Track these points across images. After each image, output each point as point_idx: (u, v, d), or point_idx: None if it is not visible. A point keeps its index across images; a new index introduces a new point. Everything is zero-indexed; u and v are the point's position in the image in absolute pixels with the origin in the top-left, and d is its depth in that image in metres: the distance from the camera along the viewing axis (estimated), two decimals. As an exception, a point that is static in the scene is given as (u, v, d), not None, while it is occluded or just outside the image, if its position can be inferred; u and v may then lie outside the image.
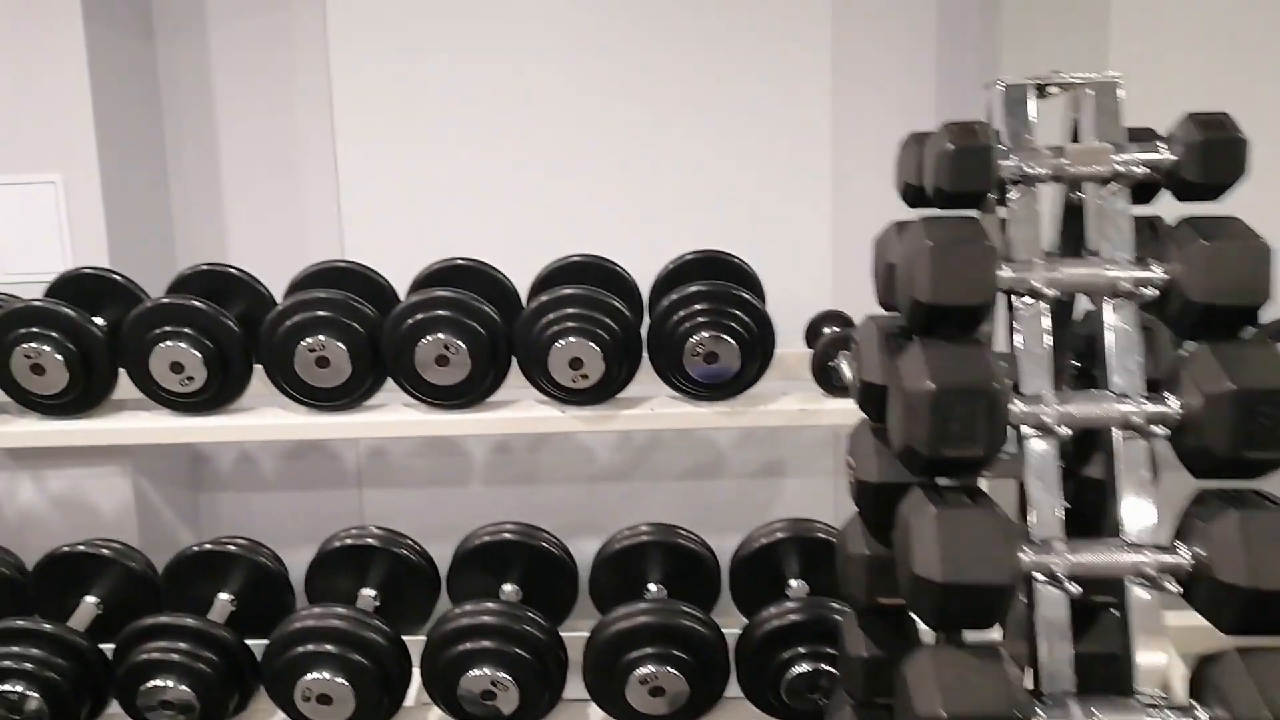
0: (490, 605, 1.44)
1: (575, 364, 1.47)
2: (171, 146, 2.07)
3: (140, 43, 2.00)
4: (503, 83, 2.02)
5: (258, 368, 1.58)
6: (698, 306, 1.53)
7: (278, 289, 1.77)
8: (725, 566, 1.75)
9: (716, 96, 2.03)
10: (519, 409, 1.55)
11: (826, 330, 1.80)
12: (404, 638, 1.47)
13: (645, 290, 1.87)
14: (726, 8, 2.01)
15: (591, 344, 1.46)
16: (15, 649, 1.37)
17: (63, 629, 1.42)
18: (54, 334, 1.55)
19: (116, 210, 1.89)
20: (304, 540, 2.08)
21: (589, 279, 1.65)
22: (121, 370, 1.60)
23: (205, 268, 1.74)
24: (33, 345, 1.53)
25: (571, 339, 1.46)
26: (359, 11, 1.99)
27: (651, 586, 1.68)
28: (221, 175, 2.08)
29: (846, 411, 1.37)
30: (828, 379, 1.59)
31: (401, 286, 1.79)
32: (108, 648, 1.50)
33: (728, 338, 1.52)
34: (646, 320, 1.63)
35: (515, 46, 2.01)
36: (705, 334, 1.51)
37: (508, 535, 1.66)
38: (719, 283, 1.56)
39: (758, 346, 1.54)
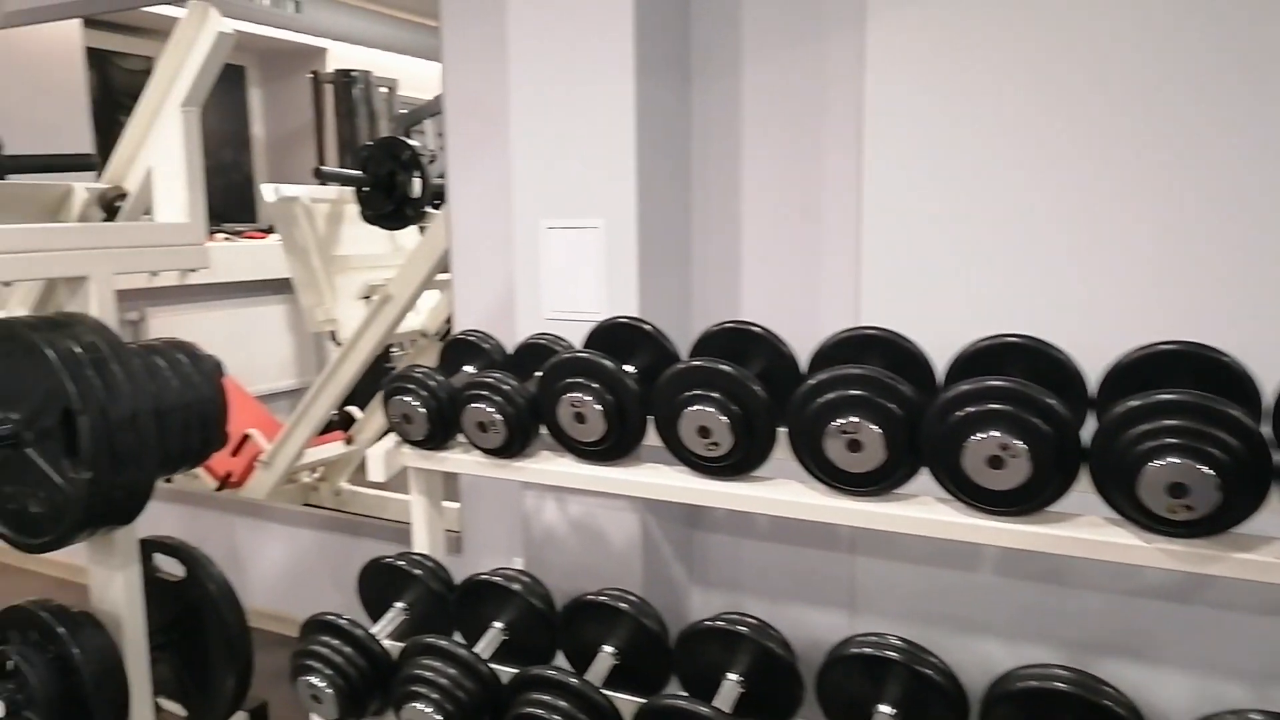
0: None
1: (1176, 490, 1.18)
2: (697, 194, 2.09)
3: (677, 91, 2.03)
4: (1073, 143, 1.72)
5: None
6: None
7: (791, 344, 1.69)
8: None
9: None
10: (1085, 527, 1.29)
11: None
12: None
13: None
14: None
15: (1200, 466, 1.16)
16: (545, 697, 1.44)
17: (587, 685, 1.46)
18: (595, 385, 1.60)
19: (648, 256, 1.94)
20: (788, 597, 1.99)
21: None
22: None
23: (730, 325, 1.70)
24: (577, 395, 1.60)
25: (1173, 459, 1.17)
26: (900, 47, 1.84)
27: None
28: (741, 221, 2.06)
29: None
30: None
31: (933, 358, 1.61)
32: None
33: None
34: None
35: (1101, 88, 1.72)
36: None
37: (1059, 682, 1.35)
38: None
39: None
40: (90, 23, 3.92)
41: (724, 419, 1.49)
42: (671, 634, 1.63)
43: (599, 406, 1.59)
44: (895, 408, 1.38)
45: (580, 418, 1.61)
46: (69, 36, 3.82)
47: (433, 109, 4.39)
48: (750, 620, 1.54)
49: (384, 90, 4.93)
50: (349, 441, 3.78)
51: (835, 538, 2.05)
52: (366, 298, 3.20)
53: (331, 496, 3.81)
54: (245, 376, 3.90)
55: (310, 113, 4.91)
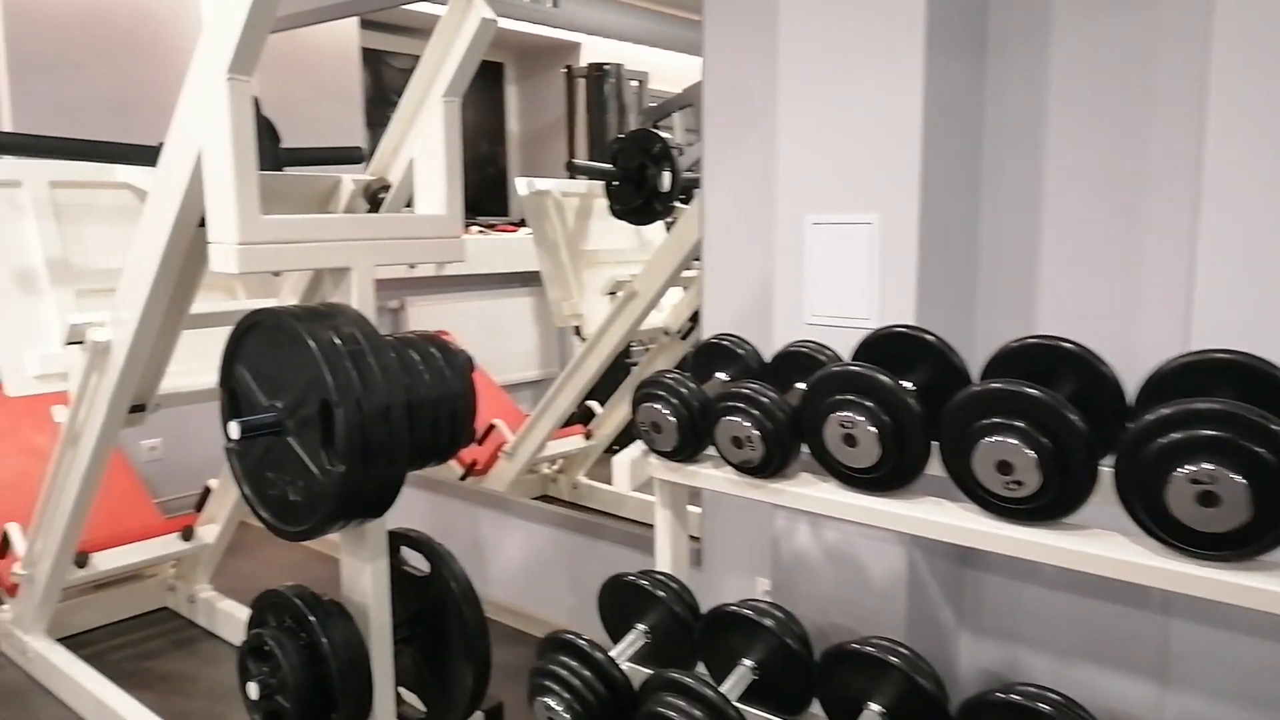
0: None
1: None
2: (989, 186, 1.83)
3: (971, 66, 1.78)
4: None
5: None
6: None
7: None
8: None
9: None
10: None
11: None
12: None
13: None
14: None
15: None
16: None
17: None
18: (869, 403, 1.40)
19: (929, 257, 1.70)
20: (1079, 655, 1.70)
21: None
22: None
23: (1035, 341, 1.44)
24: (848, 415, 1.41)
25: None
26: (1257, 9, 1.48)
27: None
28: (1041, 219, 1.77)
29: None
30: None
31: None
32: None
33: None
34: None
35: None
36: None
37: None
38: None
39: None
40: (365, 23, 4.13)
41: (1031, 453, 1.24)
42: (951, 700, 1.40)
43: (873, 428, 1.39)
44: (1267, 454, 1.09)
45: (851, 440, 1.41)
46: (347, 37, 4.04)
47: (682, 102, 4.29)
48: (1053, 696, 1.28)
49: (634, 84, 4.90)
50: (588, 436, 3.76)
51: (1144, 594, 1.73)
52: (612, 293, 3.13)
53: (569, 489, 3.81)
54: (492, 366, 3.98)
55: (562, 108, 4.96)
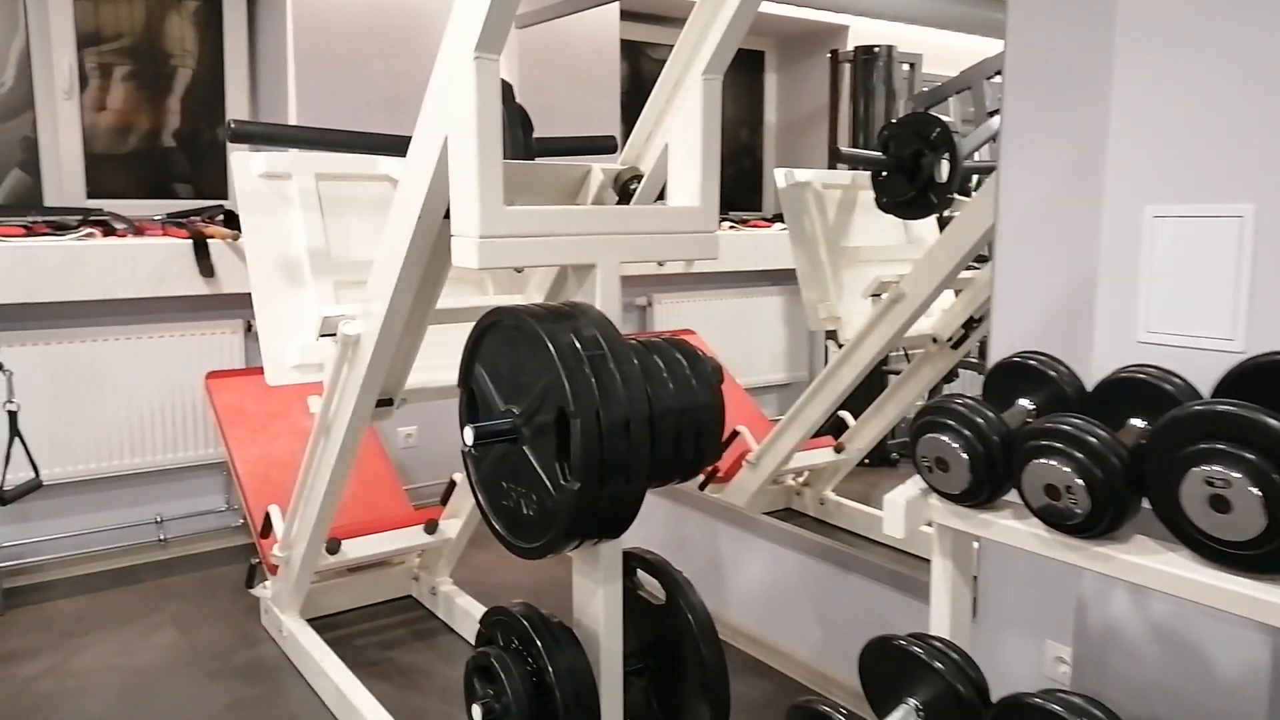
0: None
1: None
2: None
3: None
4: None
5: None
6: None
7: None
8: None
9: None
10: None
11: None
12: None
13: None
14: None
15: None
16: None
17: None
18: (1249, 455, 1.05)
19: (1327, 261, 1.30)
20: None
21: None
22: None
23: None
24: (1219, 470, 1.06)
25: None
26: None
27: None
28: None
29: None
30: None
31: None
32: None
33: None
34: None
35: None
36: None
37: None
38: None
39: None
40: (624, 14, 4.04)
41: None
42: None
43: (1258, 491, 1.03)
44: None
45: (1221, 504, 1.06)
46: (607, 28, 3.97)
47: (959, 85, 3.87)
48: None
49: (905, 67, 4.52)
50: (839, 449, 3.47)
51: None
52: (876, 295, 2.83)
53: (815, 505, 3.55)
54: (737, 368, 3.78)
55: (824, 95, 4.66)
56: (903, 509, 1.40)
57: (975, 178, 3.78)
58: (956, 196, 2.83)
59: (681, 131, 1.76)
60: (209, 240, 3.20)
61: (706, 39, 1.70)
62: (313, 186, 2.29)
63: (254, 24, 3.70)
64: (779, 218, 4.26)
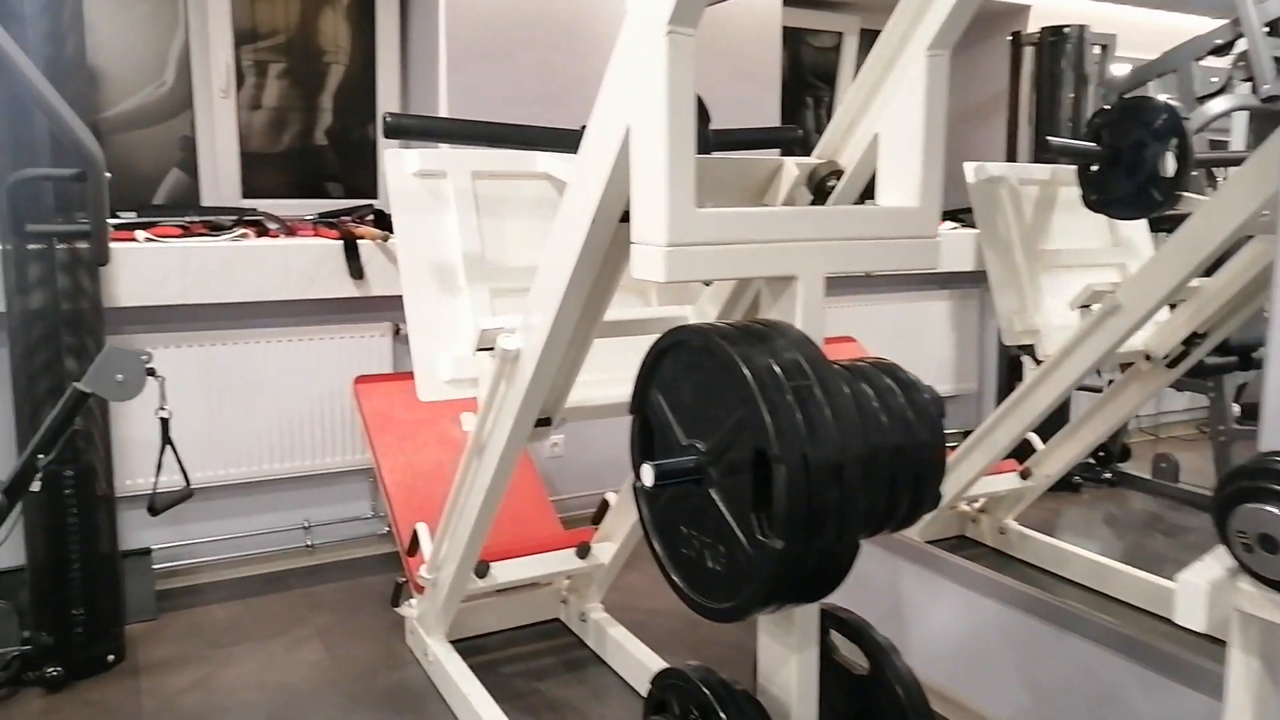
0: None
1: None
2: None
3: None
4: None
5: None
6: None
7: None
8: None
9: None
10: None
11: None
12: None
13: None
14: None
15: None
16: None
17: None
18: None
19: None
20: None
21: None
22: None
23: None
24: None
25: None
26: None
27: None
28: None
29: None
30: None
31: None
32: None
33: None
34: None
35: None
36: None
37: None
38: None
39: None
40: (787, 0, 3.77)
41: None
42: None
43: None
44: None
45: None
46: (768, 14, 3.70)
47: (1163, 68, 3.43)
48: None
49: (1096, 50, 4.08)
50: (1025, 475, 3.12)
51: None
52: (1086, 306, 2.47)
53: (993, 534, 3.21)
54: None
55: (1001, 81, 4.27)
56: (1204, 595, 1.10)
57: (1203, 171, 3.33)
58: (1186, 194, 2.45)
59: (897, 119, 1.50)
60: (359, 241, 3.11)
61: (932, 6, 1.43)
62: (469, 185, 2.12)
63: (406, 18, 3.60)
64: (949, 214, 3.90)
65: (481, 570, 2.39)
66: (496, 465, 1.96)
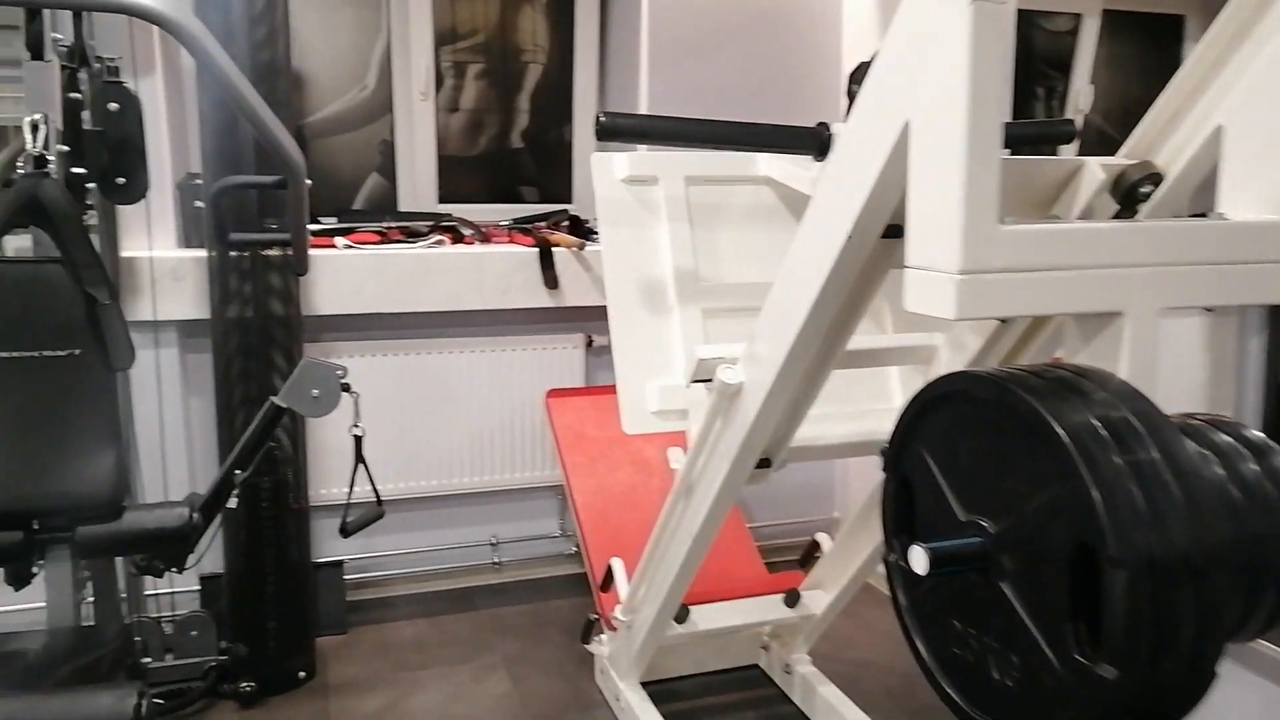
0: None
1: None
2: None
3: None
4: None
5: None
6: None
7: None
8: None
9: None
10: None
11: None
12: None
13: None
14: None
15: None
16: None
17: None
18: None
19: None
20: None
21: None
22: None
23: None
24: None
25: None
26: None
27: None
28: None
29: None
30: None
31: None
32: None
33: None
34: None
35: None
36: None
37: None
38: None
39: None
40: (1023, -24, 3.34)
41: None
42: None
43: None
44: None
45: None
46: (1004, -6, 3.30)
47: None
48: None
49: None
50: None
51: None
52: None
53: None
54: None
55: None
56: None
57: None
58: None
59: (1251, 108, 1.15)
60: (554, 249, 2.96)
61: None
62: (682, 193, 1.90)
63: (606, 12, 3.44)
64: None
65: (681, 615, 2.16)
66: (708, 511, 1.73)
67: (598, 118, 1.51)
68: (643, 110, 3.10)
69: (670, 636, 2.24)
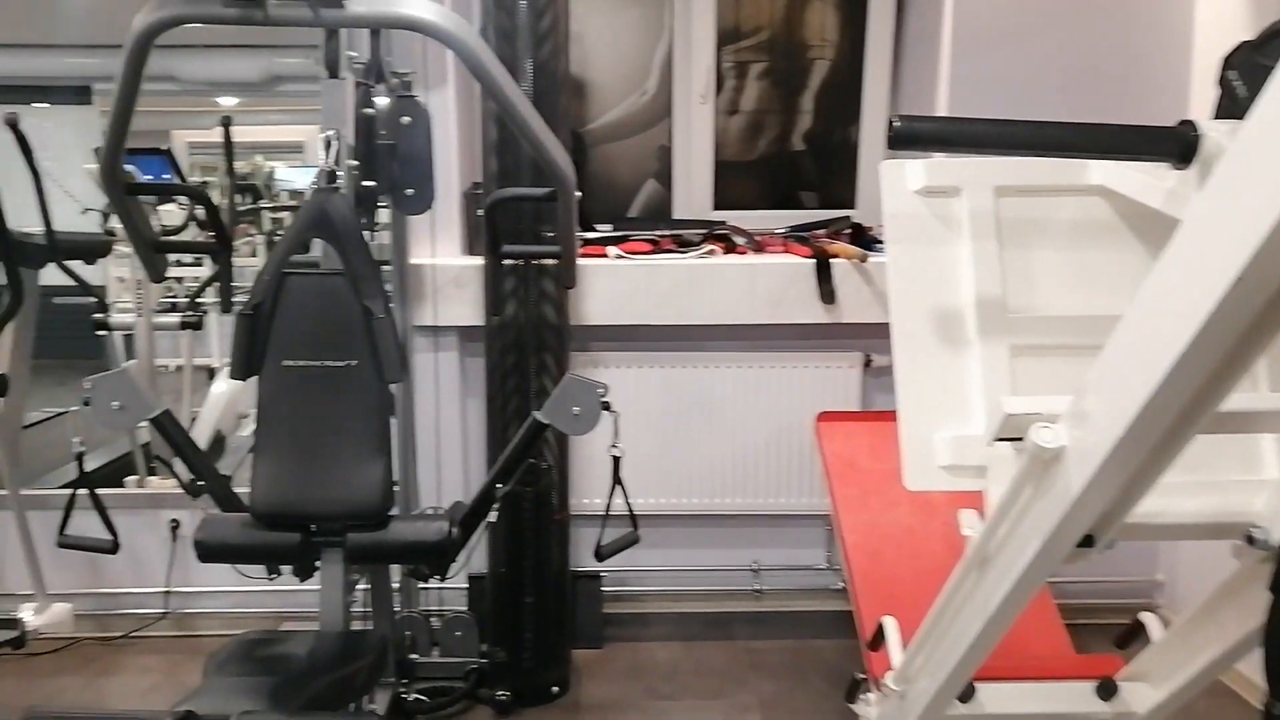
0: None
1: None
2: None
3: None
4: None
5: None
6: None
7: None
8: None
9: None
10: None
11: None
12: None
13: None
14: None
15: None
16: None
17: None
18: None
19: None
20: None
21: None
22: None
23: None
24: None
25: None
26: None
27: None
28: None
29: None
30: None
31: None
32: None
33: None
34: None
35: None
36: None
37: None
38: None
39: None
40: None
41: None
42: None
43: None
44: None
45: None
46: None
47: None
48: None
49: None
50: None
51: None
52: None
53: None
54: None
55: None
56: None
57: None
58: None
59: None
60: (833, 260, 2.72)
61: None
62: (990, 206, 1.61)
63: (903, 1, 3.14)
64: None
65: (966, 693, 1.87)
66: (1008, 593, 1.44)
67: (890, 123, 1.27)
68: (941, 106, 2.78)
69: (950, 716, 1.94)
